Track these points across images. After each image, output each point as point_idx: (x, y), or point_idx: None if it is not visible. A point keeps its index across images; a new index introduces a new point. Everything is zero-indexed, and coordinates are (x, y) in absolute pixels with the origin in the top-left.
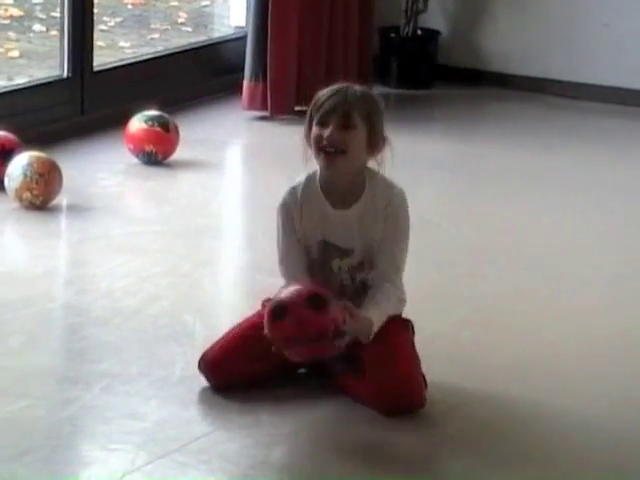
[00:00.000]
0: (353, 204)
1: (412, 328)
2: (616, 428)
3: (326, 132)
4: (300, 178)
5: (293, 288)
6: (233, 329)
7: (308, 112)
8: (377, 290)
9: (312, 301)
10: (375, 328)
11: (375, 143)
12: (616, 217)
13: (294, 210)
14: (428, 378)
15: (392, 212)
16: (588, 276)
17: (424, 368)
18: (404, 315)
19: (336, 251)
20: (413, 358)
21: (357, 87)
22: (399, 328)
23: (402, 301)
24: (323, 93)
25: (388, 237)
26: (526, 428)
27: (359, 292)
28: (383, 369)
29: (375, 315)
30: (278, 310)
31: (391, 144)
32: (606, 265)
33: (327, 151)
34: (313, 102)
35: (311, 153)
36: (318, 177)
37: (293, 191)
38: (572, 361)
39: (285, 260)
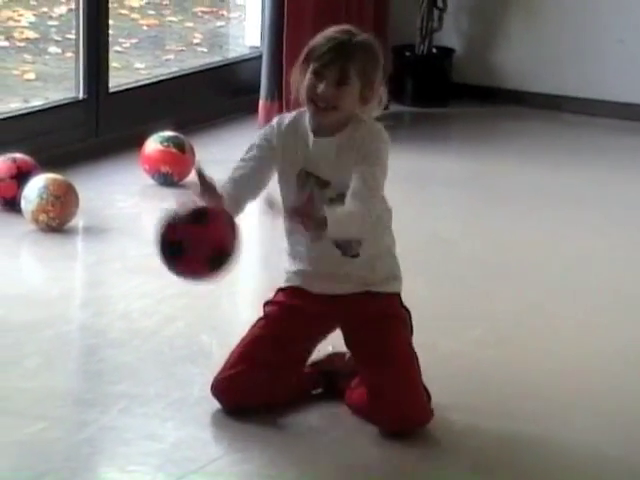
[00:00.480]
0: (336, 133)
1: (410, 323)
2: (635, 444)
3: (320, 87)
4: (290, 113)
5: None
6: (241, 344)
7: (305, 52)
8: (345, 204)
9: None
10: (329, 231)
11: (368, 96)
12: (632, 234)
13: (277, 138)
14: (444, 397)
15: (368, 140)
16: (604, 293)
17: (439, 387)
18: (407, 323)
19: (315, 180)
20: (414, 374)
21: (359, 37)
22: (396, 328)
23: (365, 223)
24: (323, 40)
25: (360, 161)
26: (544, 445)
27: None
28: (383, 397)
29: (331, 216)
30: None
31: (382, 97)
32: (622, 282)
33: (318, 105)
34: (312, 45)
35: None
36: (308, 115)
37: (279, 121)
38: (590, 377)
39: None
